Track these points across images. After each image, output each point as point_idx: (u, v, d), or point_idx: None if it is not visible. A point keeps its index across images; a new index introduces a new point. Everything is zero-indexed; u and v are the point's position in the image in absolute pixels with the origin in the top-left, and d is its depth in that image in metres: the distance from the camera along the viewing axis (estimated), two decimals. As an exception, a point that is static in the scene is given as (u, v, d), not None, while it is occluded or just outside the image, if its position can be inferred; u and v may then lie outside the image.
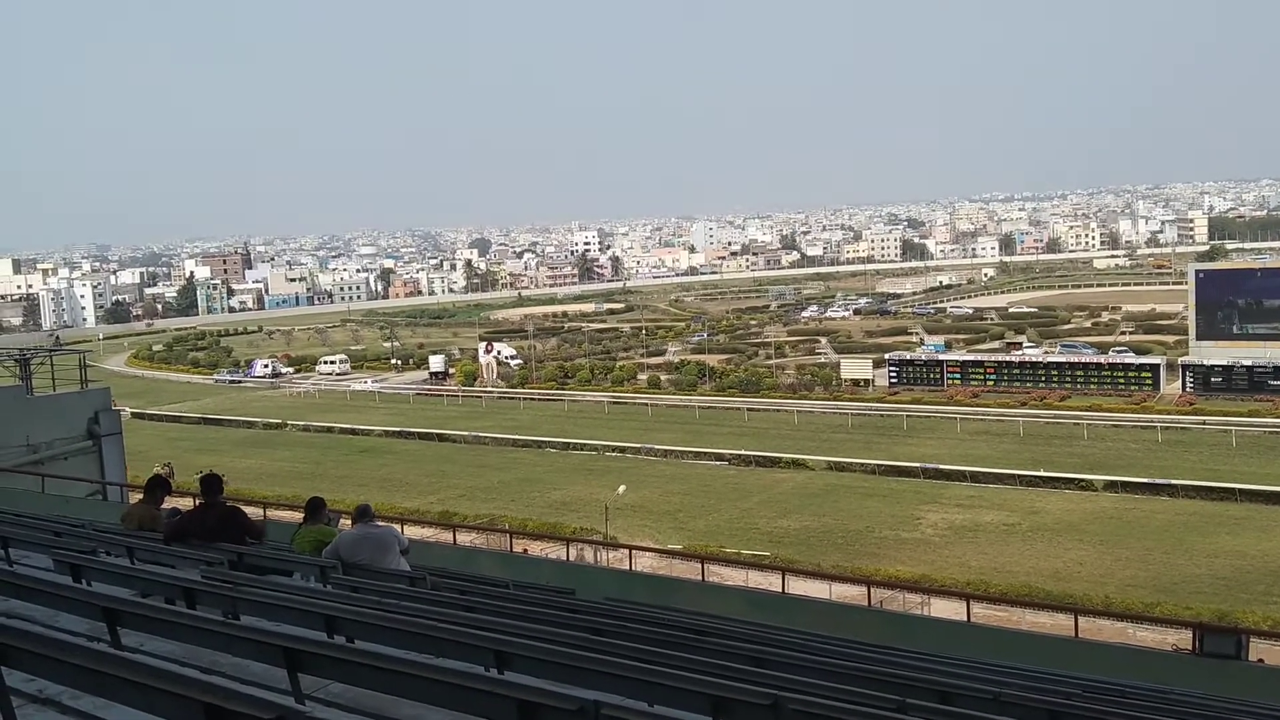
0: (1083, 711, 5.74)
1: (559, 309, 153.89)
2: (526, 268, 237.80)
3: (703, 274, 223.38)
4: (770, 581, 24.76)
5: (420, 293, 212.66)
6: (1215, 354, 63.15)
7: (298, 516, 11.50)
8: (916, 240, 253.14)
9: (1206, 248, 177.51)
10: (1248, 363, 61.18)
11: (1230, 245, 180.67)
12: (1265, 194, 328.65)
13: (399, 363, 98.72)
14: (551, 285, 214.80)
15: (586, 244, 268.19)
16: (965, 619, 14.15)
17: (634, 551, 25.00)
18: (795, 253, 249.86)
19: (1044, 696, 5.96)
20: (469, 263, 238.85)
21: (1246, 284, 65.79)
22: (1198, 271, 69.55)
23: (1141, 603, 29.53)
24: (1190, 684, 9.59)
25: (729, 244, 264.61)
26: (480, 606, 7.82)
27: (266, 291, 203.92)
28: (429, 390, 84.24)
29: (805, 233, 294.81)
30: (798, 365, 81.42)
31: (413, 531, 26.98)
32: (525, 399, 76.71)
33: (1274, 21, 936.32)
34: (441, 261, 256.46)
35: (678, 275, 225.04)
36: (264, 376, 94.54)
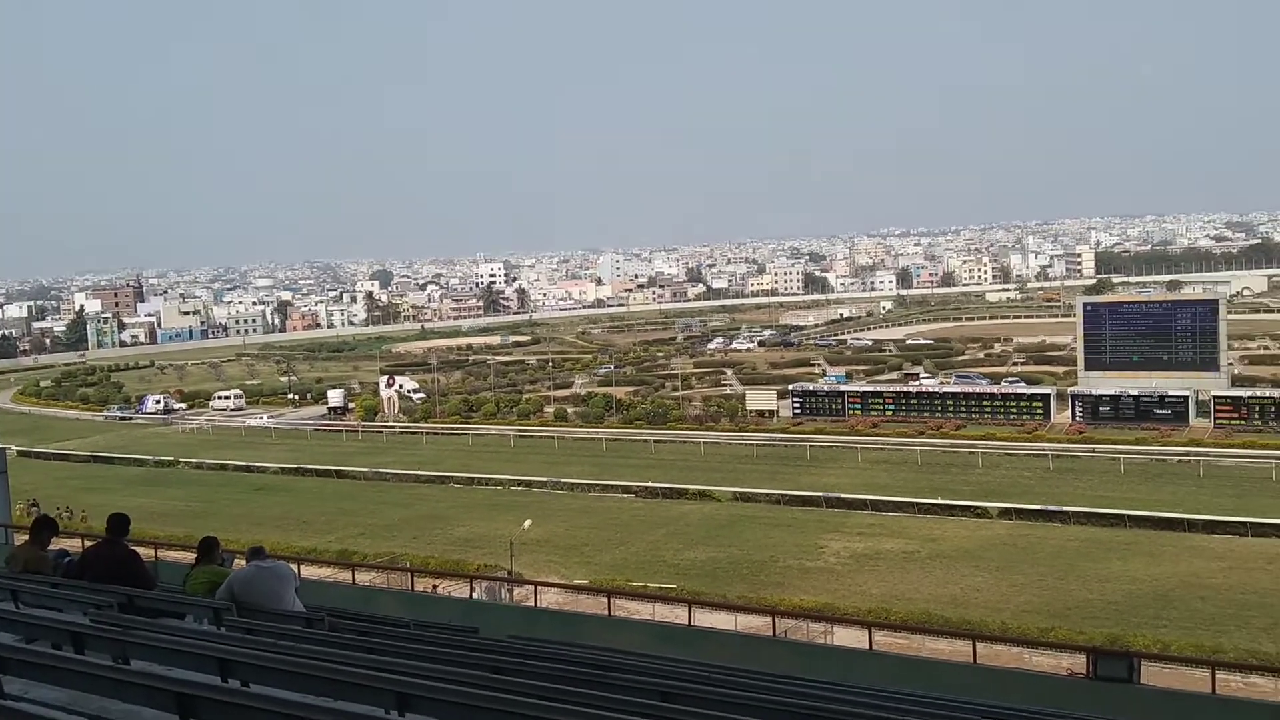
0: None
1: (464, 341, 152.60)
2: (430, 300, 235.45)
3: (610, 306, 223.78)
4: (677, 614, 24.74)
5: (319, 325, 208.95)
6: (1103, 384, 65.32)
7: (190, 557, 11.18)
8: (818, 274, 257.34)
9: (1094, 281, 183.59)
10: (1134, 392, 63.38)
11: (1116, 279, 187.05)
12: (1149, 229, 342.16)
13: (296, 398, 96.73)
14: (456, 318, 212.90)
15: (492, 276, 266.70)
16: (867, 647, 14.34)
17: (539, 587, 24.79)
18: (701, 285, 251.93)
19: (941, 723, 6.05)
20: (370, 295, 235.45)
21: (1132, 316, 68.24)
22: (1085, 304, 71.94)
23: (1037, 628, 30.23)
24: (1085, 707, 9.83)
25: (636, 276, 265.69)
26: (380, 647, 7.67)
27: (159, 325, 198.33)
28: (328, 426, 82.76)
29: (711, 266, 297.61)
30: (704, 397, 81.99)
31: (310, 571, 26.39)
32: (428, 434, 75.81)
33: (1154, 63, 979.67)
34: (341, 294, 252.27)
35: (585, 307, 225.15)
36: (156, 413, 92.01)
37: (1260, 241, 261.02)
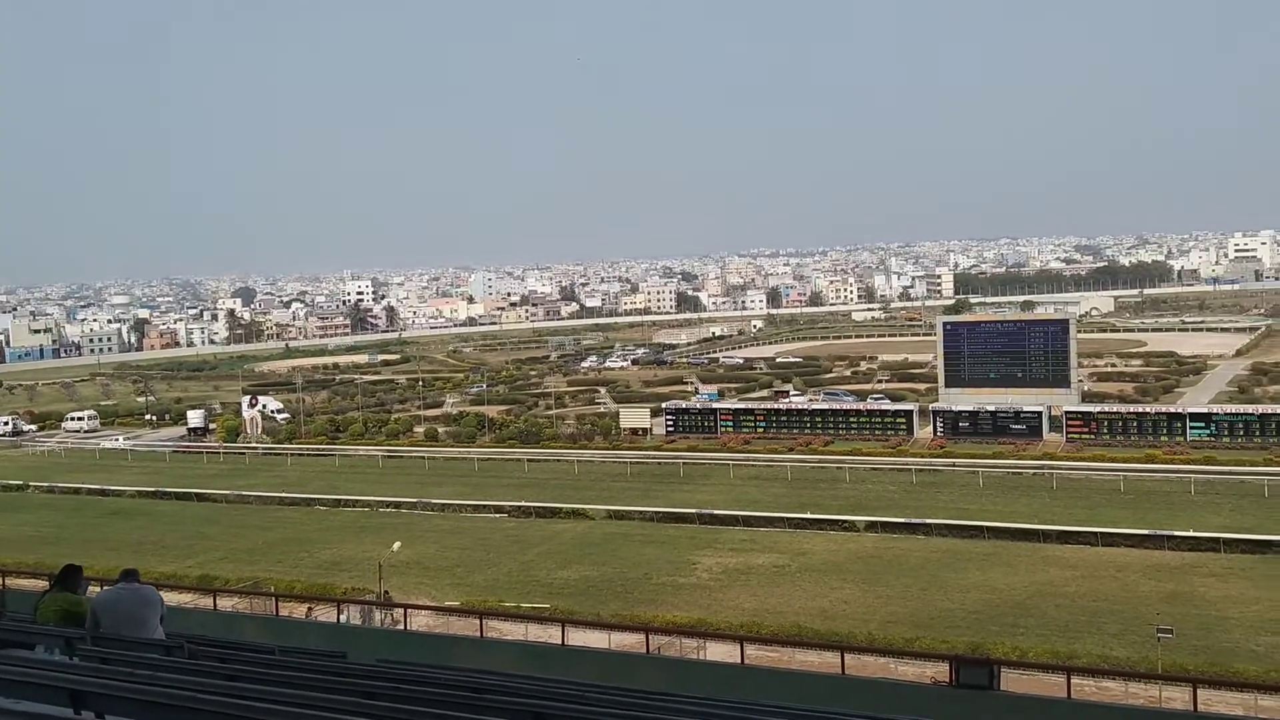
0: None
1: (330, 360, 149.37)
2: (295, 318, 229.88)
3: (481, 325, 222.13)
4: (550, 634, 24.66)
5: (178, 344, 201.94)
6: (962, 400, 67.59)
7: (40, 585, 10.63)
8: (690, 293, 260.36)
9: (953, 301, 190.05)
10: (991, 408, 65.76)
11: (974, 299, 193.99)
12: (1004, 252, 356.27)
13: (154, 418, 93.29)
14: (322, 336, 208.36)
15: (360, 294, 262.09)
16: (739, 661, 14.49)
17: (410, 610, 24.35)
18: (574, 304, 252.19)
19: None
20: (232, 313, 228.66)
21: (988, 335, 70.80)
22: (945, 323, 74.38)
23: (902, 638, 30.98)
24: (948, 715, 10.11)
25: (508, 295, 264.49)
26: (242, 675, 7.41)
27: (7, 344, 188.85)
28: (187, 447, 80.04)
29: (584, 284, 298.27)
30: (578, 415, 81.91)
31: (170, 597, 25.37)
32: (293, 455, 73.89)
33: (1002, 94, 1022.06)
34: (202, 311, 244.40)
35: (456, 326, 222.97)
36: (4, 434, 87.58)
37: (1107, 264, 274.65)
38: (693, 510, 49.30)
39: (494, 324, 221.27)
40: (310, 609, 28.80)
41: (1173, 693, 22.30)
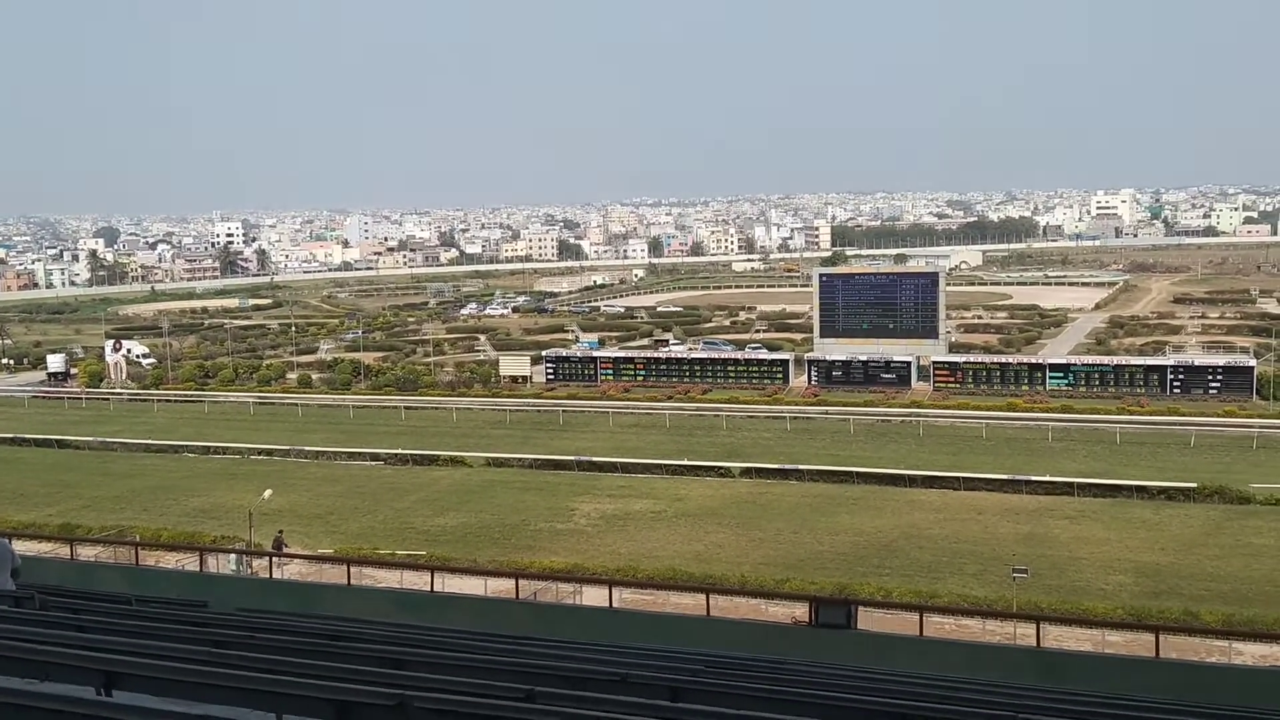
0: (704, 685, 6.09)
1: (198, 304, 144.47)
2: (161, 260, 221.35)
3: (358, 270, 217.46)
4: (425, 581, 24.52)
5: (36, 286, 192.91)
6: (836, 350, 69.10)
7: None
8: (572, 241, 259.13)
9: (830, 253, 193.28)
10: (864, 357, 67.40)
11: (850, 251, 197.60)
12: (880, 206, 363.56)
13: (11, 363, 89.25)
14: (190, 279, 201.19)
15: (229, 236, 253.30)
16: (610, 605, 14.67)
17: (278, 559, 23.95)
18: (454, 250, 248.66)
19: (670, 675, 6.26)
20: (94, 253, 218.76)
21: (862, 287, 72.37)
22: (821, 275, 75.73)
23: (773, 579, 31.81)
24: (808, 653, 10.42)
25: (385, 239, 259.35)
26: (93, 625, 7.20)
27: None
28: (47, 392, 76.78)
29: (464, 230, 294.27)
30: (457, 363, 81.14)
31: (26, 547, 24.46)
32: (160, 401, 71.60)
33: (882, 51, 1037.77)
34: (62, 252, 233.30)
35: (331, 270, 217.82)
36: None
37: (977, 219, 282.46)
38: (572, 457, 49.47)
39: (370, 269, 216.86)
40: (204, 557, 28.05)
41: (1027, 629, 23.38)
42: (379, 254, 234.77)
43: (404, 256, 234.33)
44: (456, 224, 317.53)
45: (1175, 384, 60.33)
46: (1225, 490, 40.66)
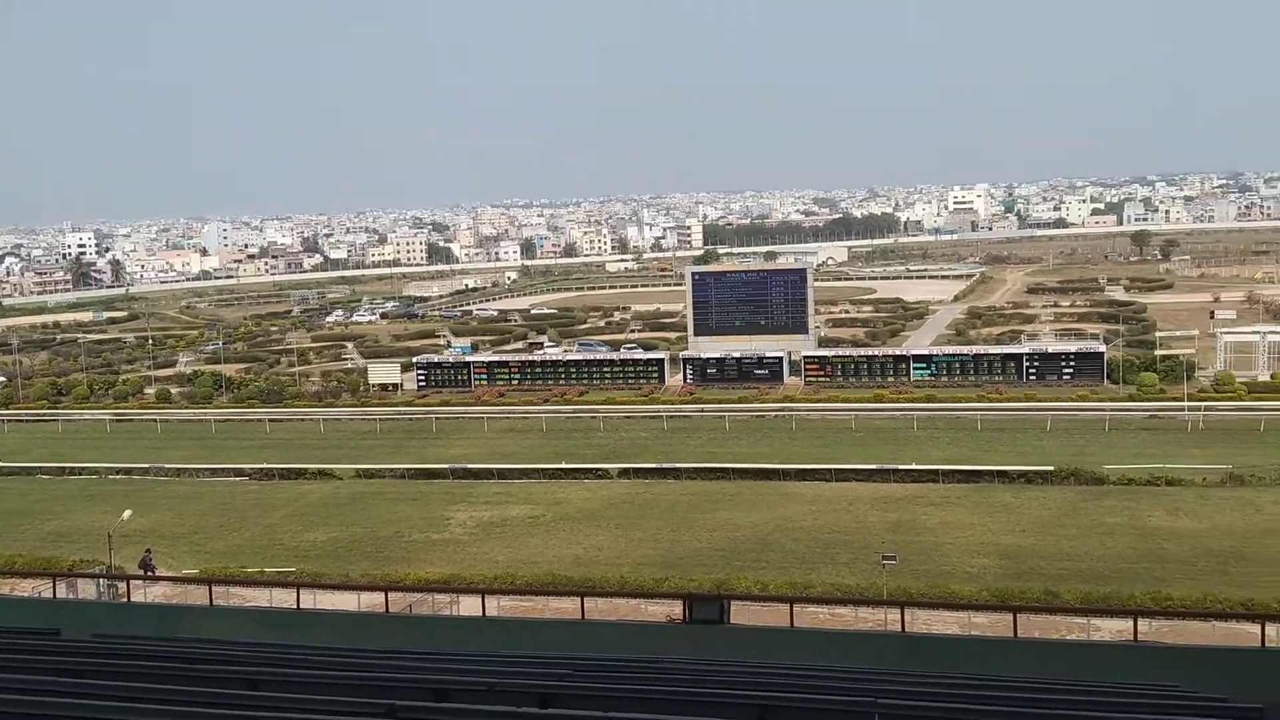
0: (574, 690, 6.01)
1: (50, 319, 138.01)
2: (9, 274, 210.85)
3: (217, 278, 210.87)
4: (293, 599, 23.84)
5: None
6: (710, 347, 69.83)
7: None
8: (442, 244, 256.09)
9: (702, 252, 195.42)
10: (737, 354, 68.26)
11: (722, 250, 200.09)
12: (749, 204, 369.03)
13: None
14: (41, 293, 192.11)
15: (81, 246, 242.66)
16: (483, 614, 14.47)
17: (135, 582, 23.00)
18: (318, 256, 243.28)
19: (539, 681, 6.17)
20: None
21: (734, 284, 73.32)
22: (693, 274, 76.48)
23: (652, 579, 31.89)
24: (682, 650, 10.43)
25: (246, 246, 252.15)
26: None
27: None
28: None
29: (328, 235, 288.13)
30: (323, 372, 79.41)
31: None
32: (10, 421, 68.20)
33: (746, 50, 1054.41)
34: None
35: (189, 280, 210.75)
36: None
37: (842, 216, 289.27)
38: (446, 465, 48.83)
39: (231, 278, 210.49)
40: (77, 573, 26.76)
41: (896, 614, 23.92)
42: (239, 261, 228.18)
43: (266, 264, 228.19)
44: (320, 229, 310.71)
45: (1031, 371, 62.71)
46: (1080, 472, 42.42)
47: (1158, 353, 65.05)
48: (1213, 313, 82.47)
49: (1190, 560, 32.52)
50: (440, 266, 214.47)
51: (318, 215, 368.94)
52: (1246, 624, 15.99)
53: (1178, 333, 72.22)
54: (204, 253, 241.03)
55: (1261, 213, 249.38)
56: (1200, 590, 28.99)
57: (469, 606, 25.17)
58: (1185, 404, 53.08)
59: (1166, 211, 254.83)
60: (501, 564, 34.74)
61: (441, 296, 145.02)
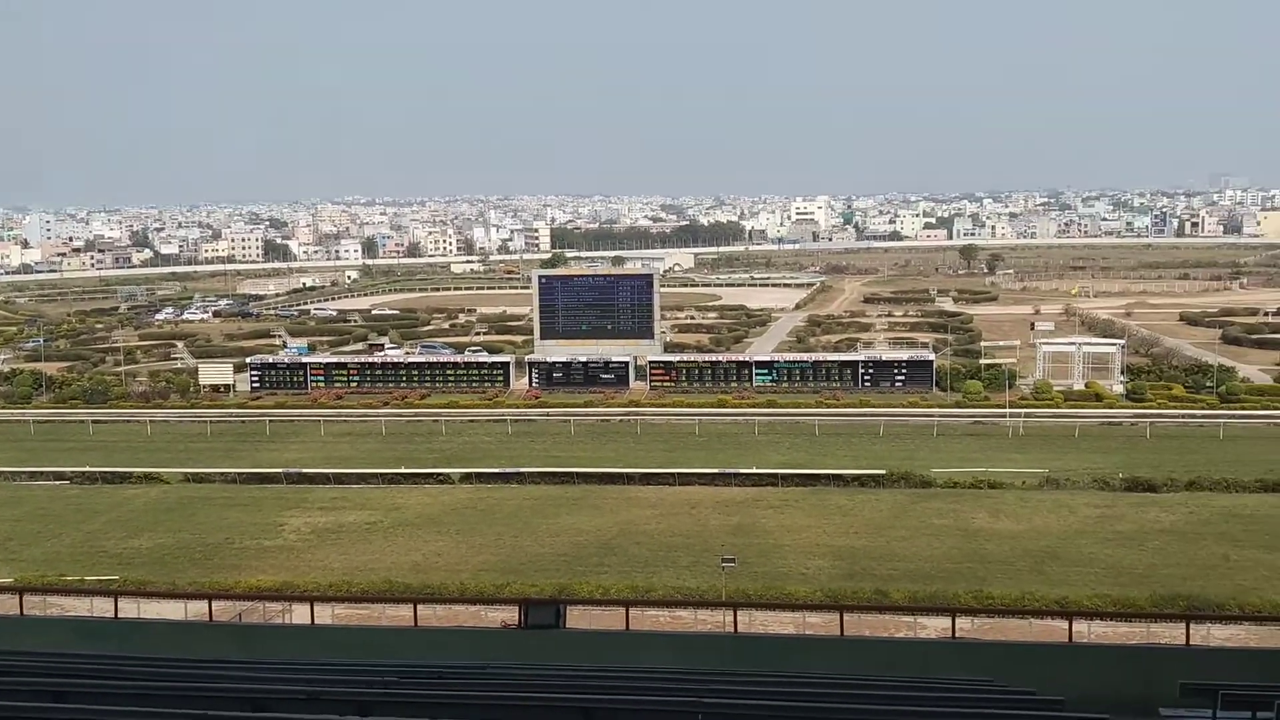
0: (395, 697, 5.90)
1: None
2: None
3: (39, 272, 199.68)
4: (122, 608, 22.76)
5: None
6: (556, 351, 69.77)
7: None
8: (279, 241, 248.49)
9: (549, 255, 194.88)
10: (583, 358, 68.39)
11: (570, 253, 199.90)
12: (598, 209, 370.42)
13: None
14: None
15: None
16: (312, 623, 14.10)
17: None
18: (148, 251, 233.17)
19: (361, 689, 6.04)
20: None
21: (581, 288, 73.43)
22: (540, 277, 76.25)
23: (493, 585, 31.61)
24: (517, 656, 10.37)
25: (71, 239, 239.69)
26: None
27: None
28: None
29: (159, 229, 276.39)
30: (151, 372, 76.25)
31: None
32: None
33: (599, 55, 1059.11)
34: None
35: (8, 274, 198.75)
36: None
37: (689, 223, 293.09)
38: (280, 470, 47.46)
39: (54, 272, 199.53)
40: None
41: (740, 616, 24.34)
42: (63, 255, 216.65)
43: (92, 258, 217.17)
44: (151, 223, 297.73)
45: (866, 378, 64.81)
46: (910, 475, 44.05)
47: (983, 361, 68.26)
48: (1033, 324, 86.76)
49: (1010, 560, 34.11)
50: (277, 264, 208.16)
51: (148, 208, 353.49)
52: (1058, 621, 16.88)
53: (1001, 343, 75.84)
54: (25, 245, 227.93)
55: (1079, 230, 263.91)
56: (1018, 589, 30.45)
57: (302, 615, 24.50)
58: (1007, 411, 55.71)
59: (993, 227, 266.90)
60: (337, 571, 33.94)
61: (278, 295, 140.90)
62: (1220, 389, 59.27)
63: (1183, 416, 55.61)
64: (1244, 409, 56.30)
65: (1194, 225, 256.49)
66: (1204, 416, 55.30)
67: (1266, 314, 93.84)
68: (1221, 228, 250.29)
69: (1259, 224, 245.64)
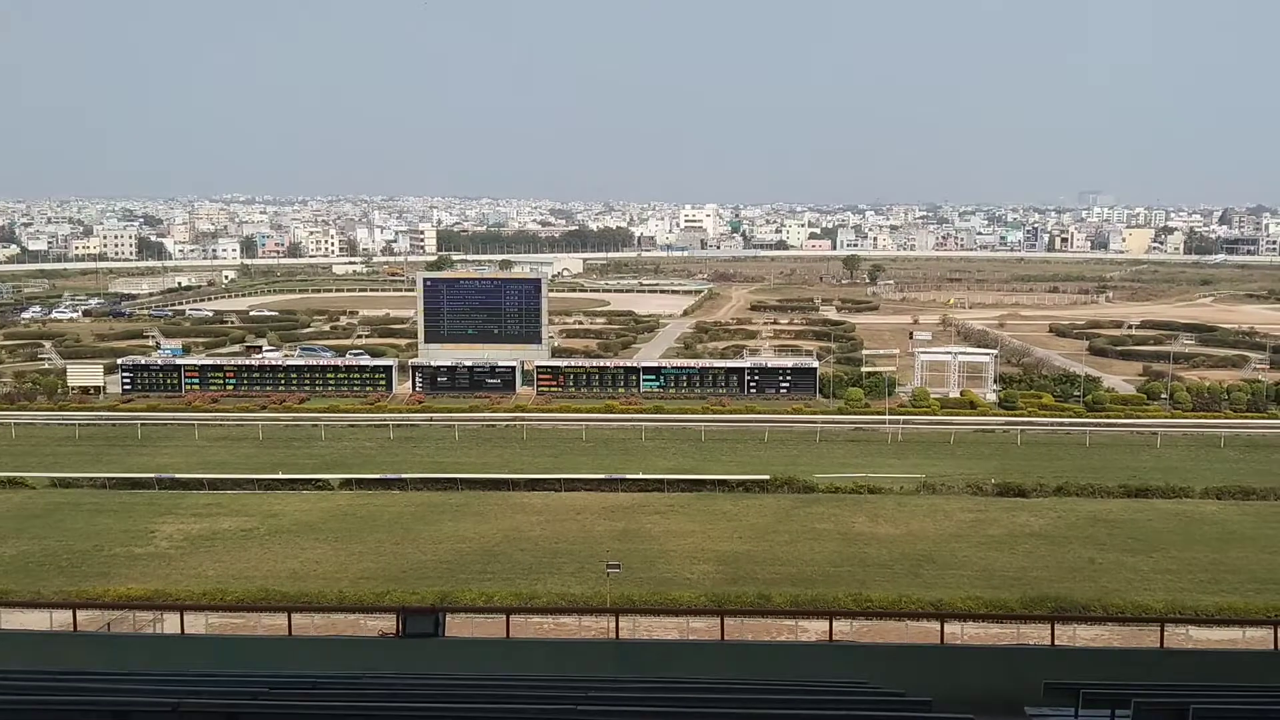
0: (264, 709, 5.75)
1: None
2: None
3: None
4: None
5: None
6: (441, 355, 68.97)
7: None
8: (154, 239, 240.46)
9: (435, 258, 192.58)
10: (469, 363, 67.76)
11: (456, 256, 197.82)
12: (485, 211, 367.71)
13: None
14: None
15: None
16: (182, 632, 13.67)
17: None
18: (14, 246, 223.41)
19: (229, 700, 5.86)
20: None
21: (467, 292, 72.71)
22: (425, 280, 75.28)
23: (373, 593, 31.10)
24: (394, 665, 10.21)
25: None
26: None
27: None
28: None
29: (27, 224, 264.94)
30: (16, 373, 73.17)
31: None
32: None
33: (485, 61, 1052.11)
34: None
35: None
36: None
37: (578, 228, 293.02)
38: (152, 475, 45.92)
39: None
40: None
41: (623, 622, 24.38)
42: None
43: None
44: (17, 217, 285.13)
45: (752, 384, 65.66)
46: (794, 480, 44.79)
47: (864, 370, 69.75)
48: (912, 334, 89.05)
49: (888, 563, 34.93)
50: (152, 262, 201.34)
51: (15, 202, 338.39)
52: (932, 623, 17.33)
53: (881, 351, 77.59)
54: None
55: (956, 243, 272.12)
56: (895, 591, 31.21)
57: (173, 625, 23.72)
58: (887, 418, 57.07)
59: (875, 239, 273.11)
60: (211, 579, 32.98)
61: (152, 295, 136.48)
62: (1087, 398, 61.69)
63: (1052, 424, 57.73)
64: (1109, 417, 58.73)
65: (1064, 240, 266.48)
66: (1071, 424, 57.51)
67: (1131, 326, 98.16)
68: (1089, 243, 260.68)
69: (1124, 240, 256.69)
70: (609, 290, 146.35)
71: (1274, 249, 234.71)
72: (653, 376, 67.11)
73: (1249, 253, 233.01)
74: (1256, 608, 29.49)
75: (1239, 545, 36.84)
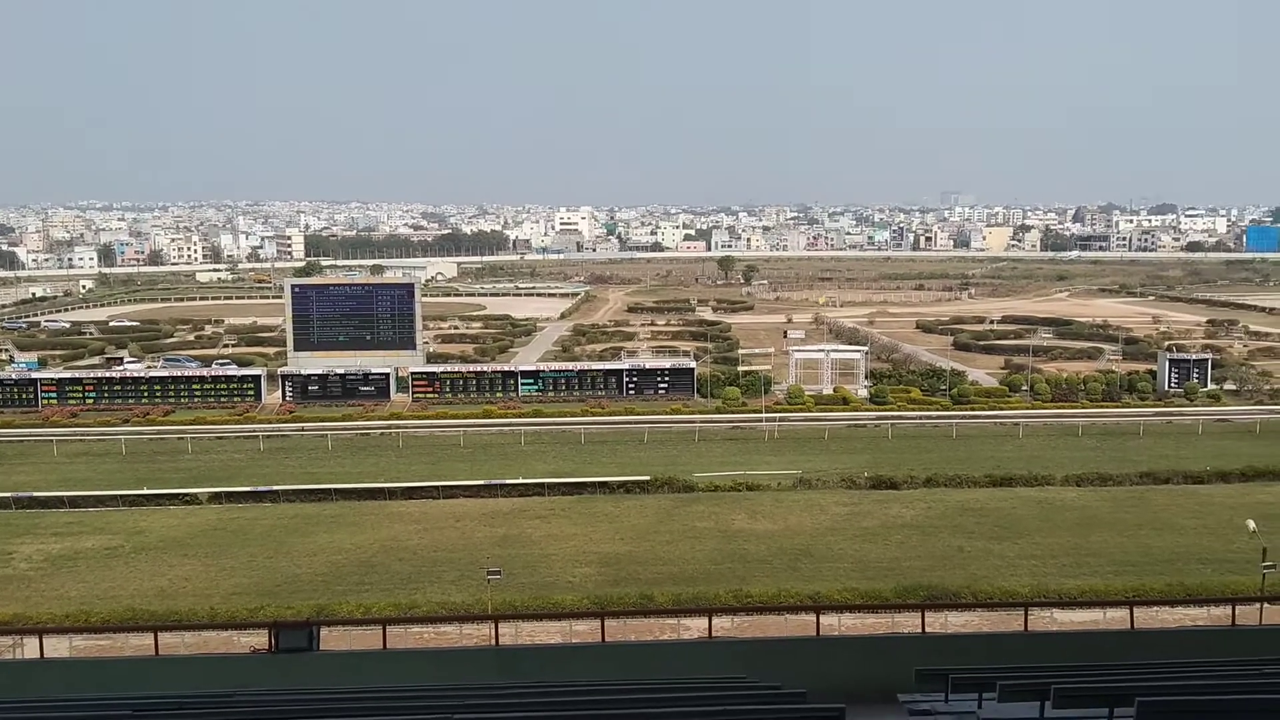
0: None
1: None
2: None
3: None
4: None
5: None
6: (312, 364, 67.46)
7: None
8: (6, 248, 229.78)
9: (304, 263, 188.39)
10: (341, 371, 66.44)
11: (325, 261, 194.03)
12: (355, 215, 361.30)
13: None
14: None
15: None
16: (41, 656, 13.10)
17: None
18: None
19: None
20: None
21: (337, 298, 71.29)
22: (294, 286, 73.54)
23: (245, 609, 30.23)
24: (267, 682, 9.94)
25: None
26: None
27: None
28: None
29: None
30: None
31: None
32: None
33: (364, 62, 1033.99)
34: None
35: None
36: None
37: (452, 232, 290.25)
38: (8, 494, 43.81)
39: None
40: None
41: (505, 627, 24.18)
42: None
43: None
44: None
45: (630, 386, 65.95)
46: (674, 480, 45.13)
47: (740, 369, 70.76)
48: (785, 332, 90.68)
49: (767, 559, 35.48)
50: (4, 273, 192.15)
51: None
52: (808, 615, 17.67)
53: (757, 350, 78.89)
54: None
55: (826, 243, 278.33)
56: (774, 586, 31.73)
57: (34, 649, 22.66)
58: (763, 415, 57.98)
59: (748, 240, 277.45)
60: (74, 600, 31.64)
61: (5, 306, 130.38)
62: (952, 391, 63.73)
63: (920, 418, 59.46)
64: (974, 410, 60.76)
65: (928, 240, 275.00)
66: (939, 417, 59.33)
67: (992, 321, 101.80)
68: (952, 242, 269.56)
69: (984, 239, 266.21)
70: (485, 294, 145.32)
71: (1124, 245, 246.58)
72: (531, 380, 66.85)
73: (1101, 249, 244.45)
74: (1115, 589, 30.87)
75: (1098, 530, 38.49)
